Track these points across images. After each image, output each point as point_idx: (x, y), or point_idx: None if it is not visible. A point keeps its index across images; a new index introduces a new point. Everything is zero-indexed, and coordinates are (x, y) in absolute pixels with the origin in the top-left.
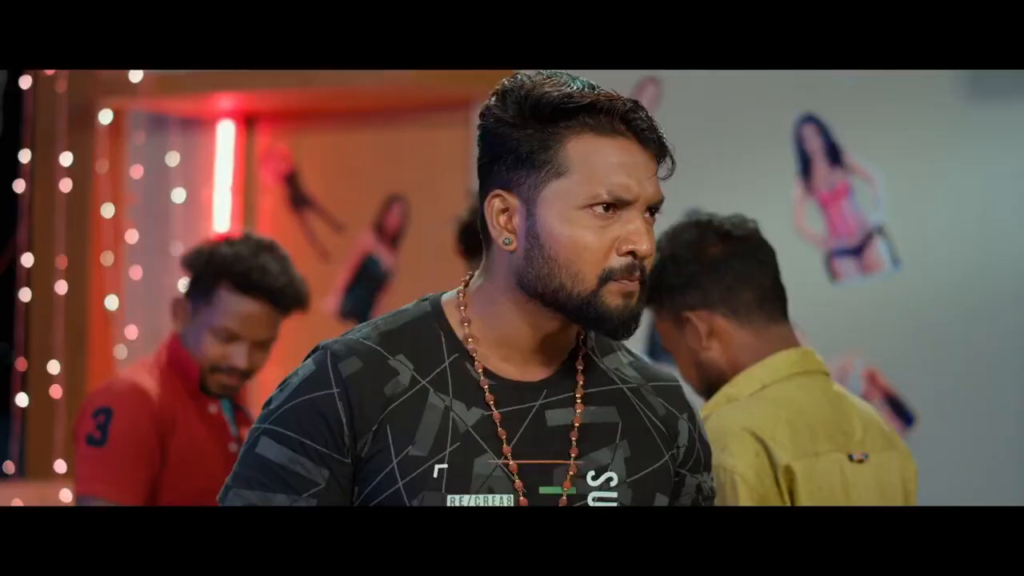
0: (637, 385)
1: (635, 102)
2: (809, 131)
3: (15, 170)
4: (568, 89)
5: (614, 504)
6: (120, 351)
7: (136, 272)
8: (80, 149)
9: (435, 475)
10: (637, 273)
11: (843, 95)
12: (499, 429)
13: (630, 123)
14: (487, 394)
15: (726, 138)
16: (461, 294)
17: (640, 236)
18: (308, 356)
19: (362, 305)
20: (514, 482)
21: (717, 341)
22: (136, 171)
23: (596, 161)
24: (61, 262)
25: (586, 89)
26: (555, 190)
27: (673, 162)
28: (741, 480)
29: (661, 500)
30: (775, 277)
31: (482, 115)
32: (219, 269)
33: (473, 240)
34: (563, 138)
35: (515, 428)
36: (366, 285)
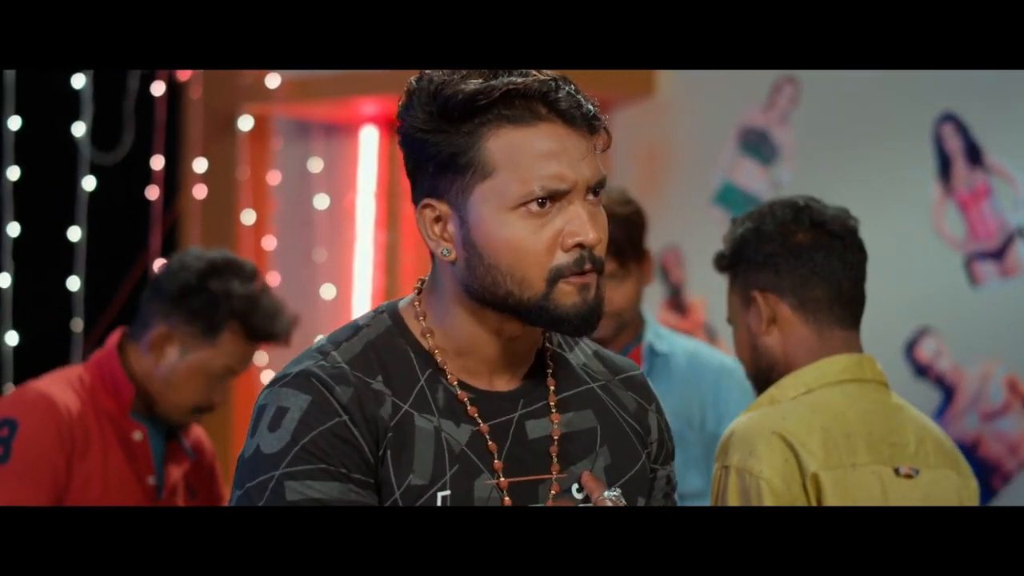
0: (606, 381)
1: (554, 79)
2: (948, 130)
3: (148, 177)
4: (475, 84)
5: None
6: (260, 358)
7: (274, 278)
8: (218, 155)
9: (439, 503)
10: (588, 265)
11: (983, 94)
12: (489, 443)
13: (551, 104)
14: (469, 406)
15: (864, 138)
16: (418, 303)
17: (583, 225)
18: (276, 386)
19: None
20: (503, 500)
21: (777, 330)
22: (277, 177)
23: (521, 155)
24: None
25: (496, 80)
26: (484, 193)
27: (608, 133)
28: (767, 485)
29: (641, 504)
30: (856, 282)
31: (398, 117)
32: (233, 312)
33: None
34: (481, 136)
35: (502, 443)
36: None
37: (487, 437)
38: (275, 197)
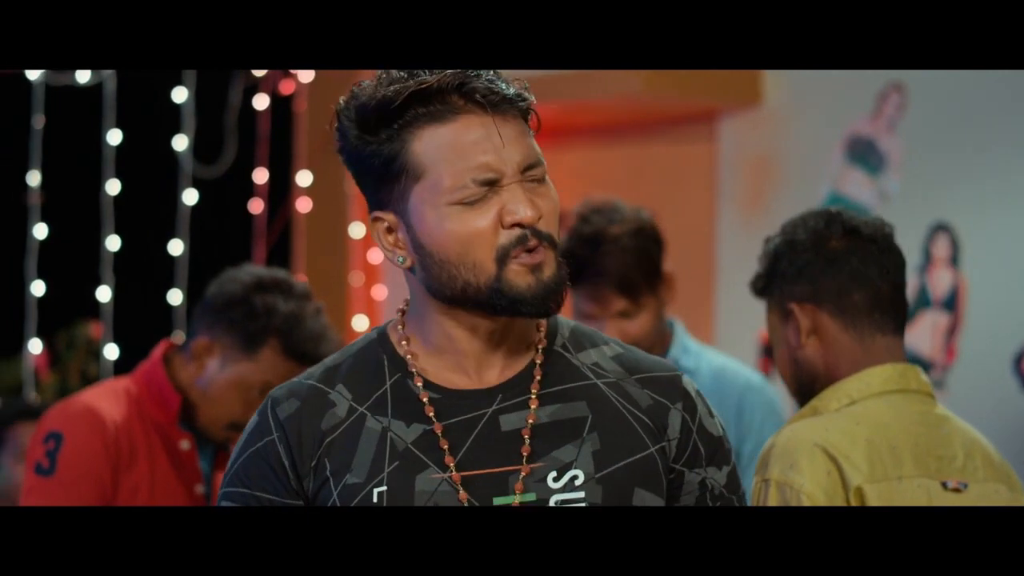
0: (617, 379)
1: (473, 69)
2: None
3: (250, 190)
4: (387, 90)
5: (580, 505)
6: None
7: (382, 292)
8: (324, 169)
9: (375, 499)
10: (533, 241)
11: None
12: (441, 441)
13: (467, 95)
14: (427, 407)
15: (971, 146)
16: (400, 314)
17: (519, 204)
18: None
19: None
20: (458, 494)
21: (818, 340)
22: None
23: (446, 152)
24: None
25: (409, 80)
26: (420, 194)
27: (536, 113)
28: (808, 500)
29: (642, 496)
30: (896, 286)
31: (336, 138)
32: (274, 328)
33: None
34: (404, 140)
35: (463, 439)
36: None
37: (439, 436)
38: None
